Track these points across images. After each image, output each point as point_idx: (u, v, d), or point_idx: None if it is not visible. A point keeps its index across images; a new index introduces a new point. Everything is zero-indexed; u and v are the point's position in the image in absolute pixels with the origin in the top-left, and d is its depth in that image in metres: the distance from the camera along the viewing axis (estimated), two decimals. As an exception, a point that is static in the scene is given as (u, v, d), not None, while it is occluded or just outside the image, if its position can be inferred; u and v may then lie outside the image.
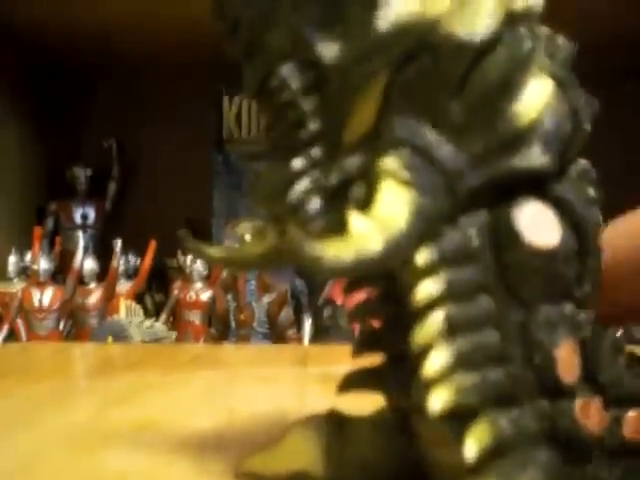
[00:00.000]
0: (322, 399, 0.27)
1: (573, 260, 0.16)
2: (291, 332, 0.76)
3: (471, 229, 0.16)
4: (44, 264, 0.75)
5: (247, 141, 0.92)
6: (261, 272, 0.76)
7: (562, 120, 0.16)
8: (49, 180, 0.96)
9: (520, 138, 0.16)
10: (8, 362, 0.47)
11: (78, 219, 0.95)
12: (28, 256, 0.78)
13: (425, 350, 0.15)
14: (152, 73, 0.96)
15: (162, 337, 0.70)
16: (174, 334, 0.72)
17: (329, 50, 0.15)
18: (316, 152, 0.16)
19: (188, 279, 0.78)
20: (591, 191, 0.17)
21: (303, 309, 0.78)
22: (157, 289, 0.89)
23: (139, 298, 0.80)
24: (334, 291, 0.74)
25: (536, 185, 0.16)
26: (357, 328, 0.20)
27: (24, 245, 0.80)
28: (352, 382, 0.19)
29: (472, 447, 0.15)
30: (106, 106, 0.99)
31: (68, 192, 0.95)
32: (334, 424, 0.19)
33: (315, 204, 0.16)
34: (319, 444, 0.19)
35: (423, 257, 0.15)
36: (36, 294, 0.74)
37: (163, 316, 0.77)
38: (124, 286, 0.79)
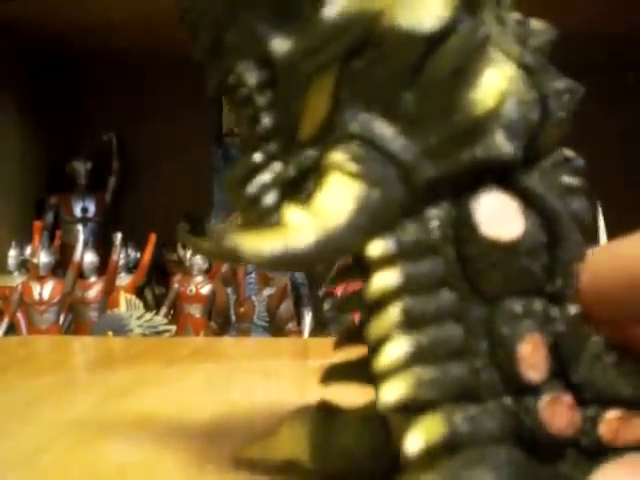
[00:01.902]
0: (322, 392, 0.27)
1: (541, 253, 0.16)
2: (291, 325, 0.76)
3: (433, 221, 0.16)
4: (44, 257, 0.75)
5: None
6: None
7: (528, 108, 0.16)
8: (49, 173, 0.96)
9: (479, 127, 0.15)
10: (8, 355, 0.47)
11: (78, 212, 0.95)
12: (28, 249, 0.78)
13: (381, 342, 0.15)
14: (152, 67, 0.95)
15: (162, 330, 0.70)
16: (174, 327, 0.72)
17: (280, 46, 0.15)
18: (273, 146, 0.16)
19: (188, 273, 0.78)
20: (571, 180, 0.17)
21: (303, 302, 0.78)
22: (157, 283, 0.89)
23: (139, 292, 0.80)
24: (339, 287, 0.74)
25: (501, 176, 0.16)
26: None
27: (24, 238, 0.80)
28: (334, 374, 0.19)
29: (416, 442, 0.15)
30: (106, 100, 0.99)
31: (68, 186, 0.95)
32: (323, 415, 0.20)
33: (272, 197, 0.16)
34: (309, 434, 0.19)
35: (378, 249, 0.15)
36: (36, 287, 0.74)
37: (163, 309, 0.77)
38: (124, 279, 0.79)
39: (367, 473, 0.17)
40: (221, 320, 0.78)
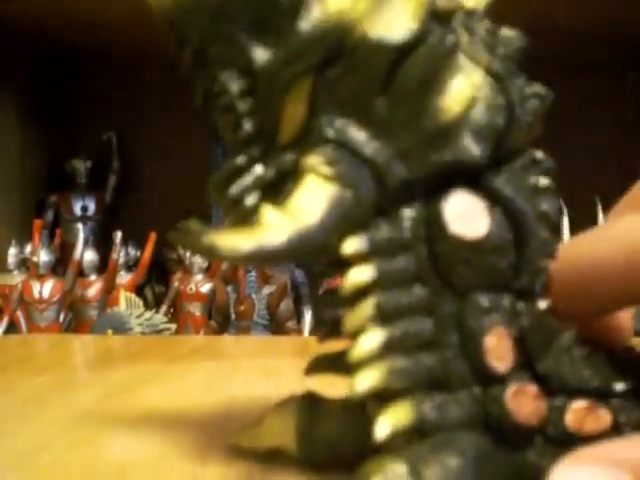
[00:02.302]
0: (322, 390, 0.27)
1: (507, 251, 0.17)
2: (291, 323, 0.76)
3: (405, 221, 0.16)
4: (44, 256, 0.75)
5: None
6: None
7: (495, 113, 0.17)
8: (49, 172, 0.96)
9: (447, 132, 0.16)
10: (8, 354, 0.47)
11: (78, 211, 0.95)
12: (28, 248, 0.78)
13: (356, 334, 0.16)
14: (151, 65, 0.95)
15: (162, 329, 0.70)
16: (174, 326, 0.72)
17: (260, 56, 0.16)
18: (255, 150, 0.17)
19: (188, 271, 0.78)
20: (540, 181, 0.18)
21: (303, 301, 0.78)
22: (157, 281, 0.89)
23: (139, 290, 0.80)
24: (334, 283, 0.74)
25: (470, 177, 0.17)
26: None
27: (24, 237, 0.80)
28: (319, 366, 0.20)
29: (385, 425, 0.15)
30: (105, 99, 0.99)
31: (68, 184, 0.95)
32: (308, 405, 0.21)
33: (253, 198, 0.17)
34: (295, 424, 0.20)
35: (352, 246, 0.16)
36: (36, 286, 0.74)
37: (163, 308, 0.77)
38: (124, 278, 0.79)
39: (350, 460, 0.17)
40: (221, 318, 0.78)
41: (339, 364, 0.18)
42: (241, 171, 0.17)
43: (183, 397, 0.31)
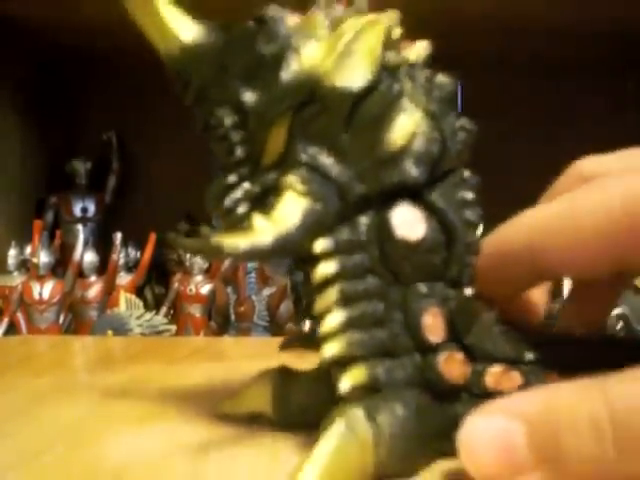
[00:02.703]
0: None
1: (440, 250, 0.22)
2: (291, 325, 0.76)
3: (362, 226, 0.21)
4: (44, 257, 0.74)
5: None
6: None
7: (431, 144, 0.22)
8: (49, 173, 0.96)
9: (394, 158, 0.21)
10: (8, 355, 0.47)
11: (78, 212, 0.95)
12: (28, 249, 0.78)
13: (323, 314, 0.21)
14: (152, 67, 0.95)
15: (162, 330, 0.70)
16: (174, 327, 0.72)
17: (250, 97, 0.21)
18: (244, 171, 0.22)
19: (188, 272, 0.78)
20: (467, 195, 0.23)
21: (303, 302, 0.78)
22: (157, 282, 0.89)
23: (139, 291, 0.80)
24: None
25: (411, 193, 0.21)
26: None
27: (24, 238, 0.80)
28: (291, 343, 0.26)
29: (346, 383, 0.20)
30: (106, 99, 0.99)
31: (68, 185, 0.95)
32: (282, 375, 0.25)
33: (243, 208, 0.22)
34: (270, 392, 0.25)
35: (320, 246, 0.21)
36: (36, 287, 0.74)
37: (163, 309, 0.77)
38: (124, 279, 0.79)
39: (319, 422, 0.21)
40: (221, 320, 0.78)
41: (308, 341, 0.24)
42: (232, 187, 0.22)
43: (183, 399, 0.31)
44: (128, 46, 0.90)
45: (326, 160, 0.21)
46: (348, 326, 0.21)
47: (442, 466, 0.21)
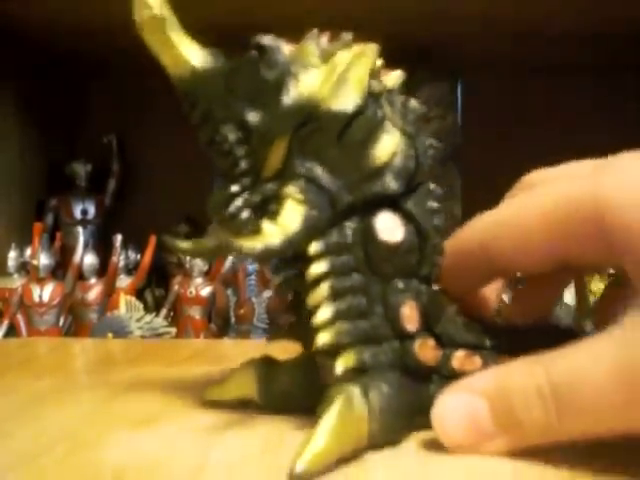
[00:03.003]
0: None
1: (415, 251, 0.25)
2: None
3: (348, 230, 0.25)
4: (44, 259, 0.74)
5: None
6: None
7: (408, 160, 0.25)
8: (49, 175, 0.96)
9: (377, 173, 0.25)
10: (8, 357, 0.47)
11: (78, 214, 0.95)
12: (28, 251, 0.78)
13: (315, 308, 0.24)
14: (152, 69, 0.95)
15: (162, 332, 0.70)
16: (174, 329, 0.72)
17: (253, 116, 0.24)
18: (246, 181, 0.25)
19: (188, 275, 0.78)
20: (434, 204, 0.26)
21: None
22: (157, 284, 0.89)
23: (139, 293, 0.80)
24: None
25: (390, 202, 0.25)
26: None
27: (24, 240, 0.80)
28: (279, 334, 0.29)
29: (340, 366, 0.24)
30: (106, 102, 0.99)
31: (68, 187, 0.95)
32: (266, 364, 0.28)
33: (245, 215, 0.24)
34: (254, 379, 0.28)
35: (313, 248, 0.24)
36: (36, 289, 0.74)
37: (163, 311, 0.77)
38: (124, 281, 0.79)
39: (300, 406, 0.26)
40: (221, 322, 0.78)
41: (293, 333, 0.28)
42: (235, 196, 0.24)
43: (183, 402, 0.31)
44: (128, 48, 0.90)
45: (320, 172, 0.24)
46: (337, 318, 0.24)
47: (419, 437, 0.25)
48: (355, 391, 0.23)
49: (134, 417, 0.28)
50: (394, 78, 0.26)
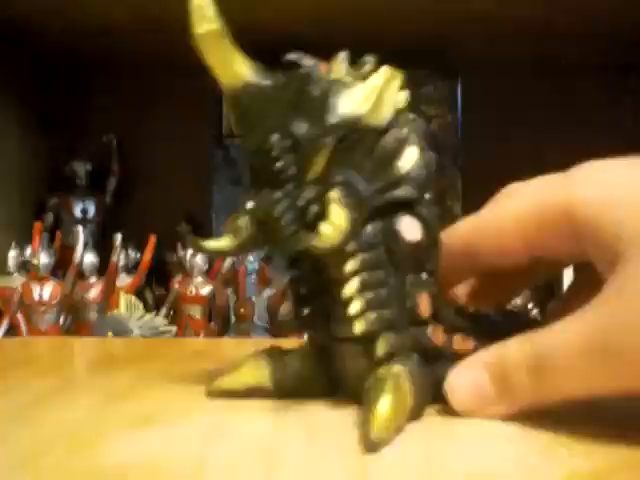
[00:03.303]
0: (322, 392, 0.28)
1: (426, 249, 0.29)
2: (291, 326, 0.76)
3: (374, 230, 0.28)
4: (44, 258, 0.74)
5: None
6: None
7: (421, 171, 0.29)
8: (49, 175, 0.96)
9: (400, 181, 0.28)
10: (9, 356, 0.47)
11: (78, 214, 0.95)
12: (28, 250, 0.78)
13: (349, 300, 0.27)
14: (152, 68, 0.95)
15: (162, 331, 0.70)
16: (174, 328, 0.72)
17: (300, 128, 0.27)
18: (289, 187, 0.27)
19: (188, 274, 0.78)
20: (435, 210, 0.29)
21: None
22: (157, 283, 0.89)
23: (139, 292, 0.80)
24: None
25: (409, 206, 0.28)
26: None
27: (24, 239, 0.80)
28: (291, 327, 0.42)
29: (380, 349, 0.27)
30: (106, 101, 0.99)
31: (68, 187, 0.95)
32: (277, 353, 0.31)
33: (290, 217, 0.27)
34: (267, 367, 0.31)
35: (350, 247, 0.27)
36: (36, 288, 0.74)
37: (163, 310, 0.77)
38: (124, 280, 0.79)
39: (310, 391, 0.30)
40: (221, 321, 0.78)
41: (305, 325, 0.31)
42: (279, 200, 0.27)
43: (184, 401, 0.31)
44: (128, 48, 0.90)
45: (356, 179, 0.27)
46: (367, 308, 0.27)
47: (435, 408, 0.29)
48: (400, 370, 0.27)
49: (134, 416, 0.28)
50: (404, 97, 0.29)
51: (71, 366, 0.45)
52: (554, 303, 0.41)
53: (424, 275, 0.29)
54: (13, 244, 0.80)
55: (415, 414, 0.27)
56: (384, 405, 0.25)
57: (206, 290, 0.77)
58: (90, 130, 0.99)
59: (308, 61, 0.27)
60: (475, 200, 0.38)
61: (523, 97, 0.96)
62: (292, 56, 0.27)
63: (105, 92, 1.00)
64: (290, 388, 0.30)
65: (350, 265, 0.27)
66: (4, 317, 0.75)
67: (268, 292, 0.78)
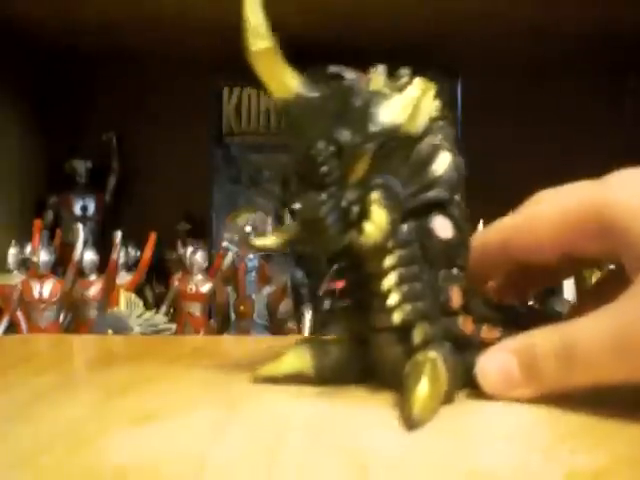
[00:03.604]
0: (321, 390, 0.28)
1: (457, 245, 0.31)
2: (291, 324, 0.76)
3: (409, 229, 0.31)
4: (44, 256, 0.74)
5: (247, 133, 0.92)
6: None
7: (453, 174, 0.31)
8: (49, 172, 0.96)
9: (433, 183, 0.31)
10: (8, 354, 0.47)
11: (78, 211, 0.95)
12: (28, 248, 0.78)
13: (388, 292, 0.30)
14: (151, 66, 0.95)
15: (162, 329, 0.70)
16: (174, 326, 0.72)
17: (344, 135, 0.29)
18: (333, 189, 0.29)
19: (188, 271, 0.78)
20: (464, 210, 0.32)
21: (303, 301, 0.78)
22: (157, 281, 0.89)
23: (139, 290, 0.80)
24: (334, 283, 0.74)
25: (441, 206, 0.31)
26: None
27: (24, 237, 0.80)
28: (330, 319, 0.35)
29: (417, 338, 0.30)
30: (105, 99, 0.99)
31: (68, 185, 0.95)
32: (318, 343, 0.34)
33: (334, 217, 0.29)
34: (308, 355, 0.33)
35: (388, 244, 0.30)
36: (36, 286, 0.74)
37: (163, 308, 0.77)
38: (124, 278, 0.79)
39: (347, 378, 0.33)
40: (221, 318, 0.78)
41: (343, 318, 0.34)
42: (325, 202, 0.29)
43: (183, 399, 0.31)
44: (128, 47, 0.90)
45: (394, 182, 0.30)
46: (403, 300, 0.30)
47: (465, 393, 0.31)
48: (436, 356, 0.29)
49: (134, 414, 0.28)
50: (437, 106, 0.31)
51: (71, 364, 0.45)
52: (579, 299, 0.45)
53: (455, 270, 0.31)
54: (13, 242, 0.80)
55: (448, 398, 0.29)
56: (423, 387, 0.28)
57: (206, 288, 0.77)
58: (90, 128, 0.99)
59: (349, 74, 0.30)
60: (475, 199, 0.38)
61: (523, 97, 0.96)
62: (334, 69, 0.30)
63: (105, 90, 1.00)
64: (330, 375, 0.33)
65: (388, 261, 0.30)
66: (4, 315, 0.75)
67: (268, 290, 0.78)
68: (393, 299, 0.30)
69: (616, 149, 0.92)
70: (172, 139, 0.97)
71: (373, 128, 0.29)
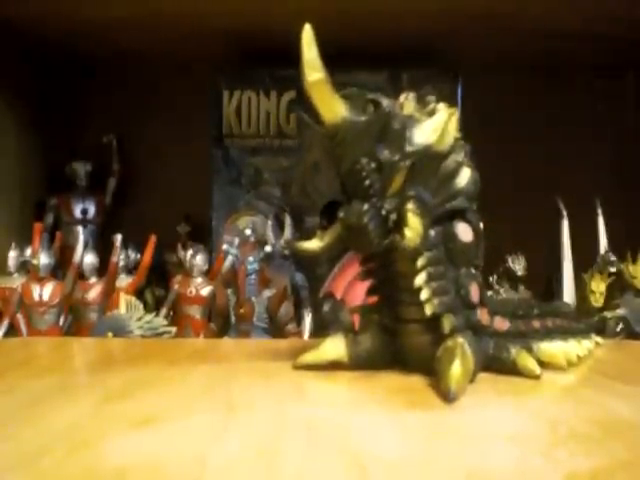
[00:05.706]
0: (321, 392, 0.28)
1: (475, 247, 0.37)
2: (291, 327, 0.76)
3: (437, 234, 0.37)
4: (44, 259, 0.74)
5: (247, 136, 0.92)
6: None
7: (472, 186, 0.37)
8: (49, 175, 0.96)
9: (457, 194, 0.37)
10: (9, 357, 0.47)
11: (78, 214, 0.95)
12: (28, 251, 0.78)
13: (419, 288, 0.36)
14: (151, 68, 0.95)
15: (162, 332, 0.70)
16: (174, 329, 0.72)
17: (384, 153, 0.34)
18: (374, 200, 0.34)
19: (188, 274, 0.78)
20: (479, 216, 0.38)
21: (303, 304, 0.78)
22: (157, 284, 0.89)
23: (139, 293, 0.80)
24: (334, 286, 0.73)
25: (462, 214, 0.37)
26: (356, 320, 0.40)
27: (24, 240, 0.80)
28: (363, 313, 0.39)
29: (446, 327, 0.36)
30: (106, 101, 0.99)
31: (68, 187, 0.95)
32: (352, 333, 0.39)
33: (374, 224, 0.34)
34: (343, 344, 0.39)
35: (422, 246, 0.35)
36: (36, 289, 0.74)
37: (163, 311, 0.77)
38: (124, 281, 0.79)
39: (379, 363, 0.39)
40: (221, 321, 0.78)
41: (374, 313, 0.39)
42: (367, 211, 0.34)
43: (183, 401, 0.31)
44: (128, 49, 0.90)
45: (425, 194, 0.35)
46: (433, 295, 0.36)
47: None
48: (464, 342, 0.36)
49: (134, 417, 0.28)
50: (457, 127, 0.37)
51: (71, 366, 0.45)
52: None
53: (472, 269, 0.37)
54: (13, 244, 0.80)
55: (473, 377, 0.36)
56: (457, 367, 0.34)
57: (206, 290, 0.77)
58: (90, 130, 0.99)
59: (385, 101, 0.35)
60: (477, 198, 0.39)
61: (523, 97, 0.96)
62: (372, 96, 0.35)
63: (105, 92, 0.99)
64: (363, 362, 0.39)
65: (420, 261, 0.36)
66: (4, 317, 0.75)
67: (268, 293, 0.78)
68: (425, 294, 0.36)
69: (616, 149, 0.92)
70: (172, 141, 0.97)
71: (409, 148, 0.34)
